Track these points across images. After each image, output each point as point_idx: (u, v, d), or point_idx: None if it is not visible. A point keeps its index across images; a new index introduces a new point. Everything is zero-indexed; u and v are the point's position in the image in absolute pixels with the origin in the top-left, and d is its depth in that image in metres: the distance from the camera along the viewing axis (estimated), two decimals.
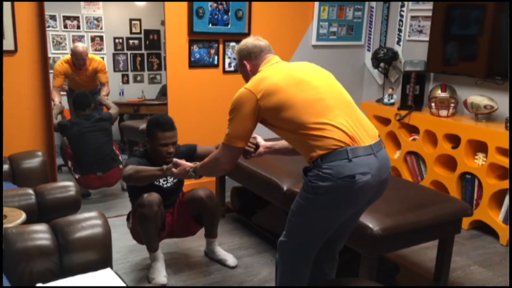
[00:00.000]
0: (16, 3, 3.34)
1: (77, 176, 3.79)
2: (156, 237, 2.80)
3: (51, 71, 3.63)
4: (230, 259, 3.02)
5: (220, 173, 2.09)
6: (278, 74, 2.04)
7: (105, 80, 4.03)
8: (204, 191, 2.84)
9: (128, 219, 2.91)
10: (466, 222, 3.63)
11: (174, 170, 2.30)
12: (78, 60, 3.87)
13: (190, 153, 2.83)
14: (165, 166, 2.38)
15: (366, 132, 1.96)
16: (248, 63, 2.17)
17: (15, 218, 2.27)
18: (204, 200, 2.81)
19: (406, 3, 4.43)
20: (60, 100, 3.84)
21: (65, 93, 3.95)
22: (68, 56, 3.86)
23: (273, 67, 2.11)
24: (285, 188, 2.90)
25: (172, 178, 2.85)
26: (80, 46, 3.90)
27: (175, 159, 2.32)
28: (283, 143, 2.35)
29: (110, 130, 3.92)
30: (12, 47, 3.37)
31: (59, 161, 3.82)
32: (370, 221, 2.33)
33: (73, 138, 3.77)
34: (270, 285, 2.81)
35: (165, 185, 2.85)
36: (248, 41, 2.20)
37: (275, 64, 2.13)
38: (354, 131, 1.91)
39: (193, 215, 2.90)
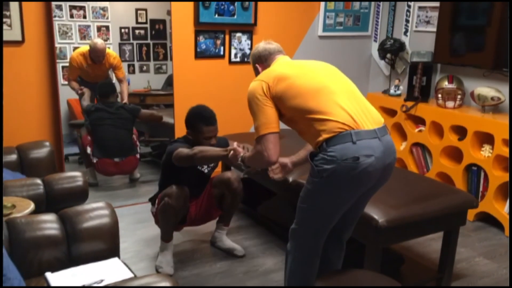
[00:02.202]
0: None
1: (95, 160, 3.87)
2: (173, 228, 2.87)
3: (58, 60, 3.64)
4: (238, 249, 3.06)
5: (267, 165, 2.12)
6: (285, 66, 2.16)
7: (122, 76, 4.08)
8: (232, 173, 2.95)
9: (153, 203, 2.95)
10: (471, 213, 3.63)
11: (230, 153, 2.35)
12: (98, 56, 3.92)
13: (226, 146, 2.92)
14: (228, 148, 2.41)
15: (372, 117, 2.02)
16: (260, 65, 2.29)
17: (24, 208, 2.30)
18: (231, 180, 2.90)
19: None
20: (80, 86, 3.91)
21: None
22: (84, 49, 3.88)
23: (280, 62, 2.23)
24: (290, 179, 2.91)
25: (207, 167, 2.95)
26: (99, 43, 3.92)
27: (235, 145, 2.37)
28: (303, 151, 2.45)
29: (130, 120, 4.00)
30: (19, 38, 3.39)
31: (66, 150, 3.85)
32: (375, 213, 2.33)
33: (94, 123, 3.87)
34: (275, 276, 2.83)
35: (205, 171, 2.94)
36: (259, 46, 2.32)
37: (282, 61, 2.24)
38: (359, 115, 1.97)
39: (216, 197, 2.97)
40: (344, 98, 2.00)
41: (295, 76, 2.05)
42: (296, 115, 2.03)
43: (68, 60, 3.87)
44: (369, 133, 1.94)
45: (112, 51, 4.03)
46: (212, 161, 2.68)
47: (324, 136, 1.92)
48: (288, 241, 2.18)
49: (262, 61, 2.28)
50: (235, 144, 2.39)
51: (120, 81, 4.08)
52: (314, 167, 1.95)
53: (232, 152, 2.35)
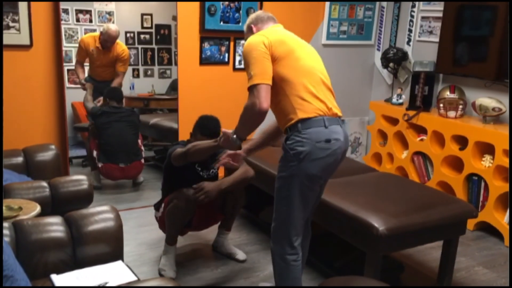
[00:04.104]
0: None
1: (100, 165, 3.88)
2: (179, 232, 2.89)
3: (65, 64, 3.68)
4: (239, 253, 3.09)
5: (259, 118, 2.04)
6: (285, 35, 2.24)
7: (122, 70, 4.07)
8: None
9: (157, 209, 2.96)
10: (471, 223, 3.66)
11: (221, 140, 2.33)
12: (106, 41, 3.92)
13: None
14: (219, 138, 2.39)
15: (337, 108, 2.21)
16: (255, 26, 2.35)
17: (30, 210, 2.34)
18: None
19: (417, 3, 4.44)
20: (84, 77, 3.91)
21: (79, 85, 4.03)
22: (96, 34, 3.92)
23: (279, 30, 2.31)
24: None
25: (209, 172, 2.96)
26: (113, 29, 3.92)
27: (223, 129, 2.35)
28: (260, 135, 2.53)
29: (137, 125, 4.02)
30: (27, 42, 3.43)
31: (70, 153, 3.89)
32: (375, 221, 2.36)
33: (101, 126, 3.88)
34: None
35: (205, 176, 2.95)
36: (258, 11, 2.45)
37: (281, 29, 2.32)
38: (332, 105, 2.16)
39: (218, 202, 2.96)
40: (324, 88, 2.16)
41: (295, 49, 2.14)
42: (281, 84, 2.09)
43: (73, 63, 3.92)
44: (336, 121, 2.14)
45: (123, 44, 4.05)
46: (205, 152, 2.59)
47: (300, 115, 2.05)
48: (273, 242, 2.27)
49: (258, 22, 2.34)
50: (223, 130, 2.36)
51: (117, 74, 4.08)
52: (289, 151, 2.06)
53: (222, 138, 2.31)
